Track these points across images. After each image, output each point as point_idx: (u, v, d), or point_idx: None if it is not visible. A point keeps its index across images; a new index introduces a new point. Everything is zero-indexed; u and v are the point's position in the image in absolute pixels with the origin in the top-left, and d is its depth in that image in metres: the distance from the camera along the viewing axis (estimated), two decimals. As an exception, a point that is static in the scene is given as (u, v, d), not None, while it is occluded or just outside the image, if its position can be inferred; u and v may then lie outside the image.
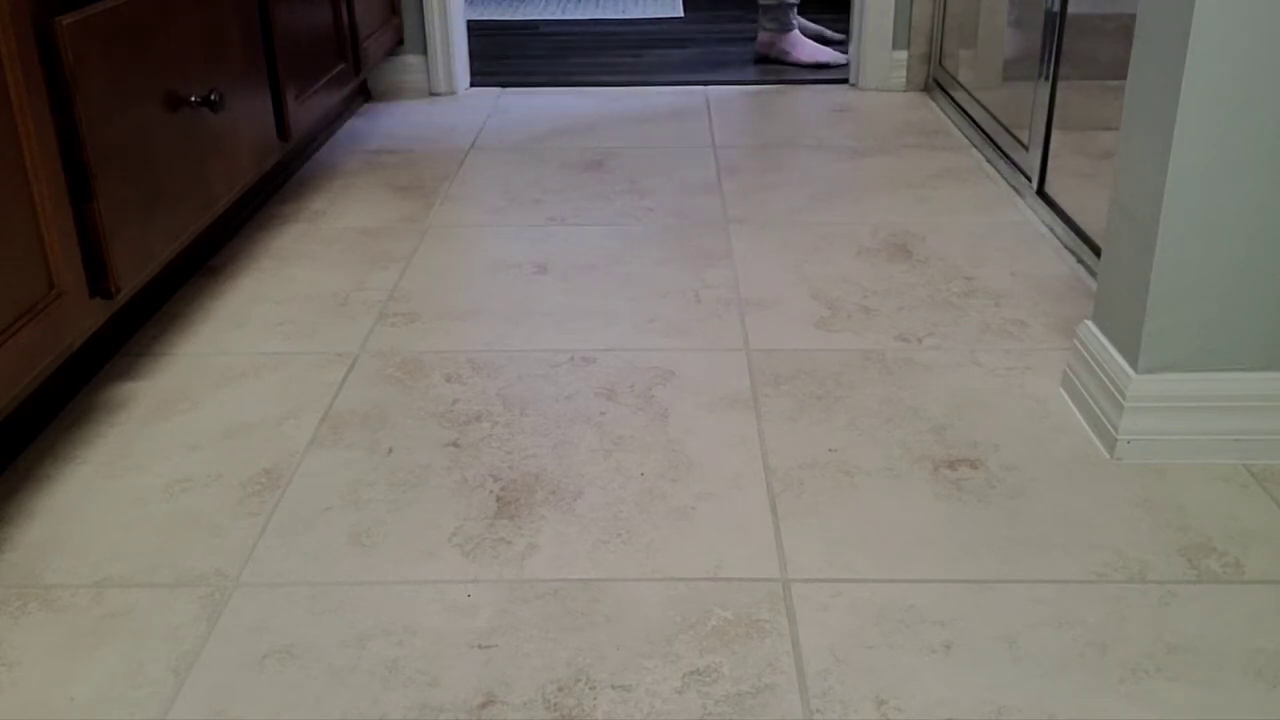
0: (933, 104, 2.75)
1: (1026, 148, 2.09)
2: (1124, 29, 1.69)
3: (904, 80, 2.87)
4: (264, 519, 1.22)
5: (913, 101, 2.78)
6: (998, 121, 2.28)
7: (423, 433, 1.37)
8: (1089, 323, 1.39)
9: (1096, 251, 1.75)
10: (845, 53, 2.74)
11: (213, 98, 1.55)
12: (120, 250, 1.35)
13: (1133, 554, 1.14)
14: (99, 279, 1.32)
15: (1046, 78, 1.98)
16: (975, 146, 2.40)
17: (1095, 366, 1.35)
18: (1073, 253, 1.85)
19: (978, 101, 2.43)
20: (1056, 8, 1.94)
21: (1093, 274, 1.76)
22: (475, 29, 3.52)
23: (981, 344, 1.57)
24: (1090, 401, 1.36)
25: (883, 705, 0.96)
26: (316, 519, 1.21)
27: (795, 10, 2.97)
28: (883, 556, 1.14)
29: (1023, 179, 2.10)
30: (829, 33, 3.12)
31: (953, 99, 2.62)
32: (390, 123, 2.65)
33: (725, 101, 2.79)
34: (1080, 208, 1.85)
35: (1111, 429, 1.30)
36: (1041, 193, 2.02)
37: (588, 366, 1.52)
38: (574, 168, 2.31)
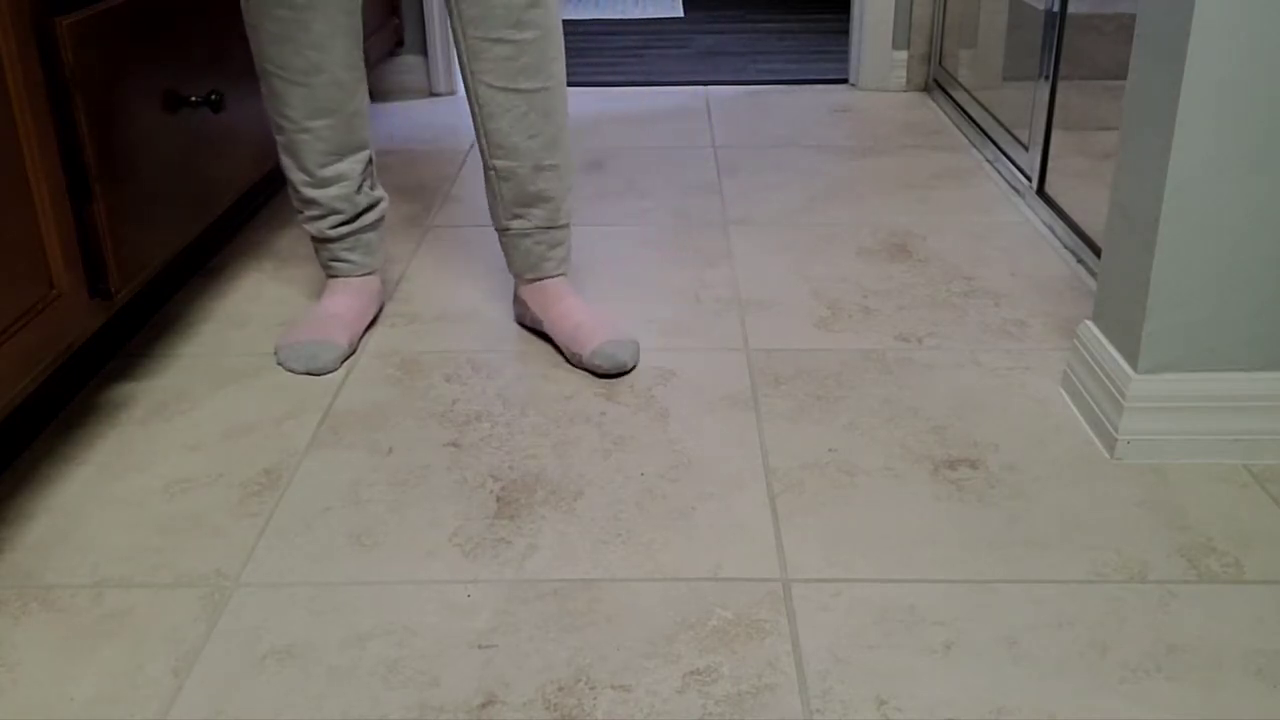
0: (933, 104, 2.75)
1: (1026, 148, 2.09)
2: (1124, 29, 1.69)
3: (904, 80, 2.87)
4: (264, 519, 1.22)
5: (913, 101, 2.78)
6: (998, 121, 2.28)
7: (423, 433, 1.37)
8: (1089, 323, 1.39)
9: (1096, 251, 1.75)
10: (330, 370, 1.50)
11: (213, 98, 1.55)
12: (120, 251, 1.35)
13: (1133, 554, 1.14)
14: (98, 280, 1.32)
15: (1046, 78, 1.98)
16: (975, 146, 2.41)
17: (1095, 366, 1.35)
18: (1073, 253, 1.85)
19: (978, 101, 2.43)
20: (1056, 8, 1.94)
21: (1093, 274, 1.76)
22: (475, 29, 3.51)
23: (981, 344, 1.57)
24: (1090, 401, 1.36)
25: (883, 705, 0.96)
26: (316, 519, 1.21)
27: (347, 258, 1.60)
28: (883, 556, 1.14)
29: (1023, 179, 2.10)
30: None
31: (953, 99, 2.62)
32: (390, 123, 2.65)
33: (725, 101, 2.79)
34: (1080, 208, 1.85)
35: (1111, 429, 1.30)
36: (1041, 193, 2.02)
37: (588, 366, 1.52)
38: (574, 168, 2.31)
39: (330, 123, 1.49)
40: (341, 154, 1.52)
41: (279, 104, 1.47)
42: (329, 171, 1.52)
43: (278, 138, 1.51)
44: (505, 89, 1.43)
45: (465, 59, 1.43)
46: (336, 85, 1.46)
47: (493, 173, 1.50)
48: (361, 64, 1.49)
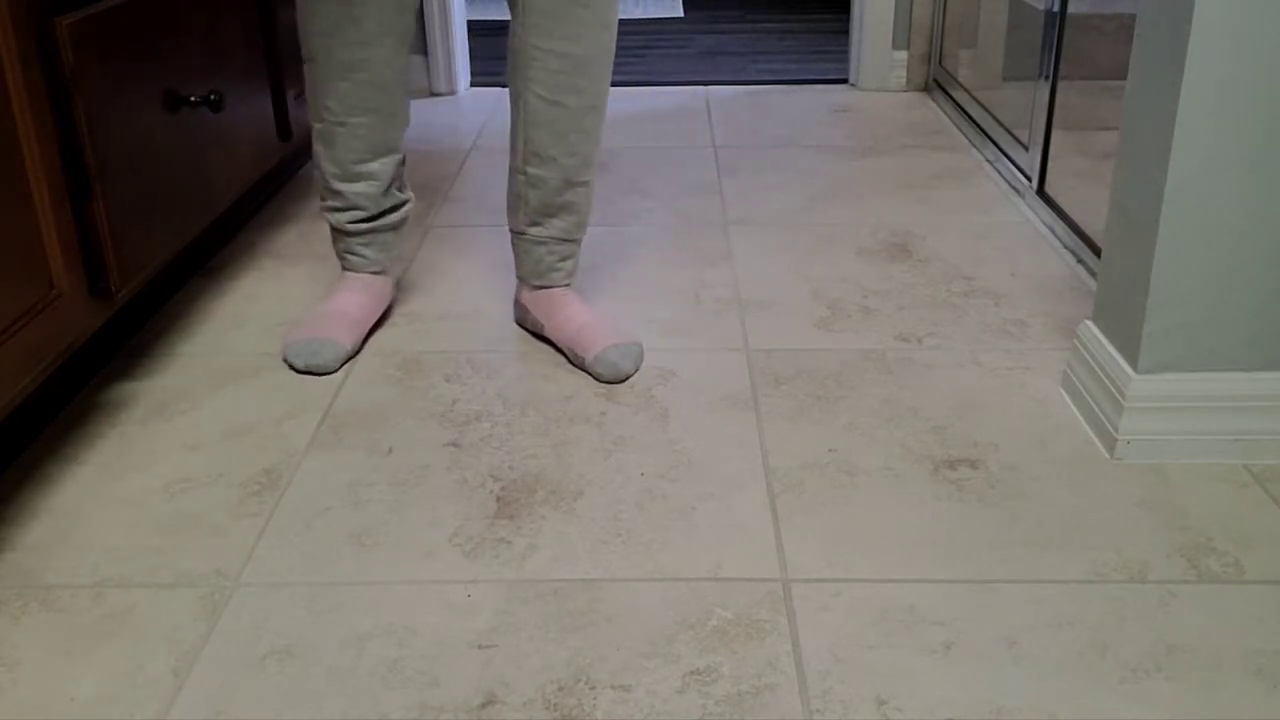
0: (933, 104, 2.75)
1: (1026, 148, 2.09)
2: (1124, 29, 1.69)
3: (904, 80, 2.87)
4: (264, 519, 1.22)
5: (913, 101, 2.78)
6: (998, 121, 2.28)
7: (423, 433, 1.37)
8: (1089, 323, 1.39)
9: (1096, 251, 1.75)
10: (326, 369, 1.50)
11: (213, 98, 1.55)
12: (120, 250, 1.35)
13: (1133, 554, 1.14)
14: (99, 279, 1.32)
15: (1046, 78, 1.98)
16: (975, 146, 2.41)
17: (1095, 366, 1.35)
18: (1073, 253, 1.85)
19: (978, 101, 2.43)
20: (1056, 8, 1.94)
21: (1093, 274, 1.76)
22: (475, 29, 3.52)
23: (981, 344, 1.57)
24: (1090, 401, 1.36)
25: (883, 705, 0.96)
26: (316, 519, 1.21)
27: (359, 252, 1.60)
28: (883, 556, 1.14)
29: (1023, 179, 2.10)
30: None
31: (953, 99, 2.62)
32: (390, 123, 2.65)
33: (725, 101, 2.79)
34: (1080, 208, 1.85)
35: (1111, 429, 1.30)
36: (1041, 193, 2.02)
37: (588, 366, 1.52)
38: (574, 168, 2.31)
39: (369, 120, 1.48)
40: (376, 153, 1.52)
41: (321, 95, 1.47)
42: (361, 169, 1.52)
43: (315, 125, 1.51)
44: (552, 102, 1.43)
45: (520, 62, 1.43)
46: (380, 84, 1.46)
47: (522, 178, 1.50)
48: (407, 66, 1.49)
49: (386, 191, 1.55)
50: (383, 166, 1.53)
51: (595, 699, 0.97)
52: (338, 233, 1.59)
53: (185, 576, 1.13)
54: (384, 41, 1.43)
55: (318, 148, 1.52)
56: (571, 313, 1.54)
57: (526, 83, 1.43)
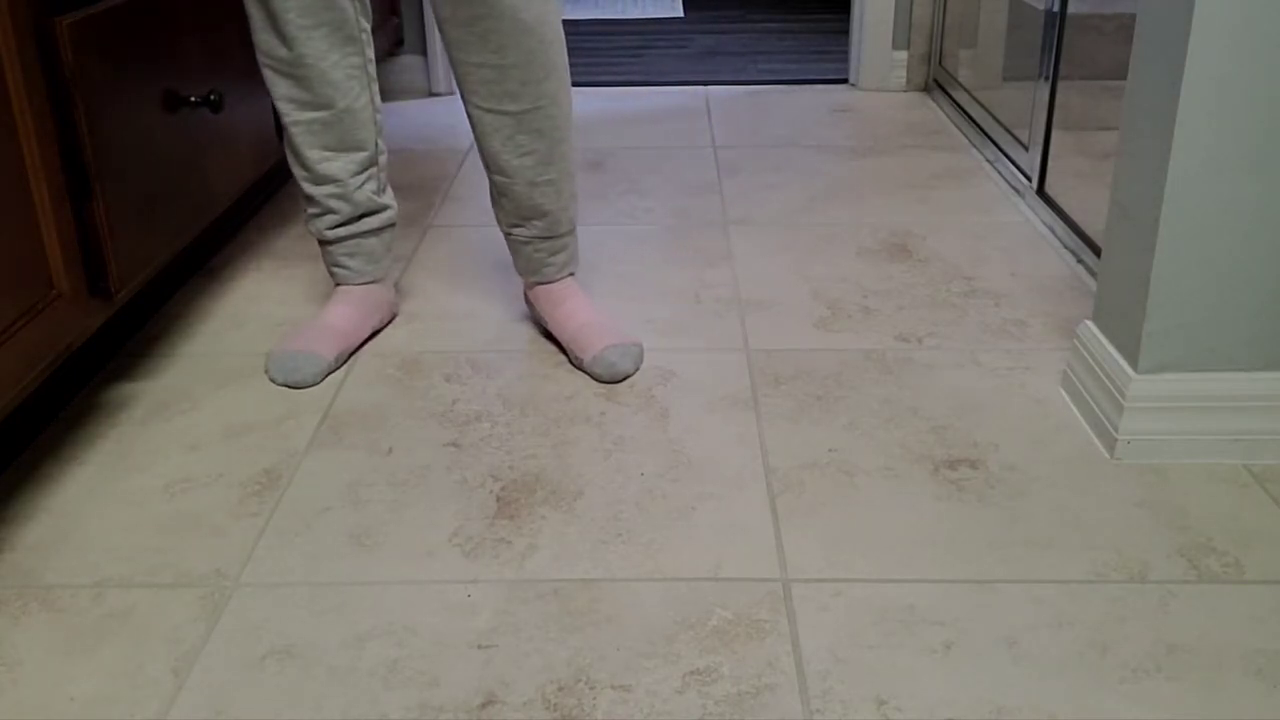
0: (933, 104, 2.75)
1: (1026, 148, 2.09)
2: (1124, 29, 1.69)
3: (904, 80, 2.87)
4: (264, 519, 1.22)
5: (913, 101, 2.78)
6: (998, 121, 2.28)
7: (422, 433, 1.37)
8: (1089, 323, 1.39)
9: (1096, 251, 1.75)
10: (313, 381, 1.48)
11: (212, 98, 1.55)
12: (120, 250, 1.35)
13: (1133, 554, 1.14)
14: (98, 279, 1.32)
15: (1046, 78, 1.98)
16: (975, 146, 2.41)
17: (1095, 366, 1.35)
18: (1073, 253, 1.85)
19: (978, 101, 2.43)
20: (1056, 8, 1.94)
21: (1093, 274, 1.76)
22: (475, 29, 3.52)
23: (981, 344, 1.57)
24: (1090, 401, 1.36)
25: (883, 705, 0.96)
26: (316, 519, 1.21)
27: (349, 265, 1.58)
28: (883, 556, 1.14)
29: (1023, 179, 2.10)
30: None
31: (953, 99, 2.62)
32: (390, 123, 2.65)
33: (725, 101, 2.79)
34: (1080, 208, 1.85)
35: (1111, 429, 1.30)
36: (1041, 193, 2.02)
37: (588, 366, 1.52)
38: (574, 168, 2.31)
39: (321, 117, 1.47)
40: (336, 151, 1.50)
41: (272, 91, 1.46)
42: (323, 169, 1.50)
43: (284, 131, 1.51)
44: (492, 110, 1.42)
45: (456, 77, 1.43)
46: (324, 81, 1.44)
47: (492, 184, 1.50)
48: (357, 63, 1.47)
49: (359, 189, 1.53)
50: (345, 165, 1.51)
51: (595, 699, 0.97)
52: (322, 244, 1.58)
53: (185, 576, 1.13)
54: (314, 34, 1.41)
55: (286, 152, 1.52)
56: (571, 309, 1.54)
57: (464, 95, 1.43)
